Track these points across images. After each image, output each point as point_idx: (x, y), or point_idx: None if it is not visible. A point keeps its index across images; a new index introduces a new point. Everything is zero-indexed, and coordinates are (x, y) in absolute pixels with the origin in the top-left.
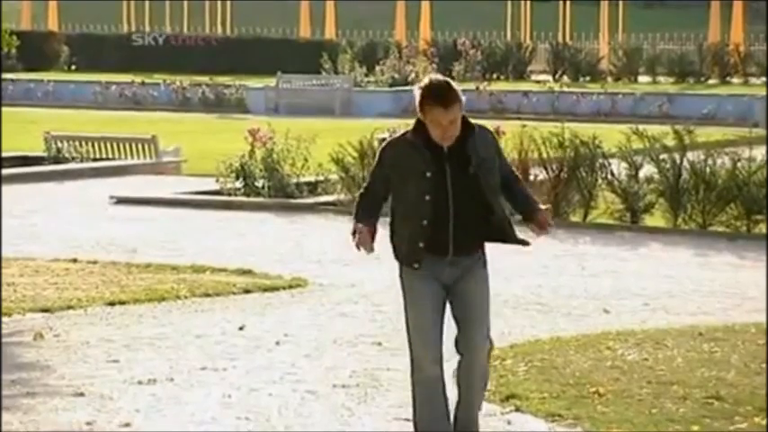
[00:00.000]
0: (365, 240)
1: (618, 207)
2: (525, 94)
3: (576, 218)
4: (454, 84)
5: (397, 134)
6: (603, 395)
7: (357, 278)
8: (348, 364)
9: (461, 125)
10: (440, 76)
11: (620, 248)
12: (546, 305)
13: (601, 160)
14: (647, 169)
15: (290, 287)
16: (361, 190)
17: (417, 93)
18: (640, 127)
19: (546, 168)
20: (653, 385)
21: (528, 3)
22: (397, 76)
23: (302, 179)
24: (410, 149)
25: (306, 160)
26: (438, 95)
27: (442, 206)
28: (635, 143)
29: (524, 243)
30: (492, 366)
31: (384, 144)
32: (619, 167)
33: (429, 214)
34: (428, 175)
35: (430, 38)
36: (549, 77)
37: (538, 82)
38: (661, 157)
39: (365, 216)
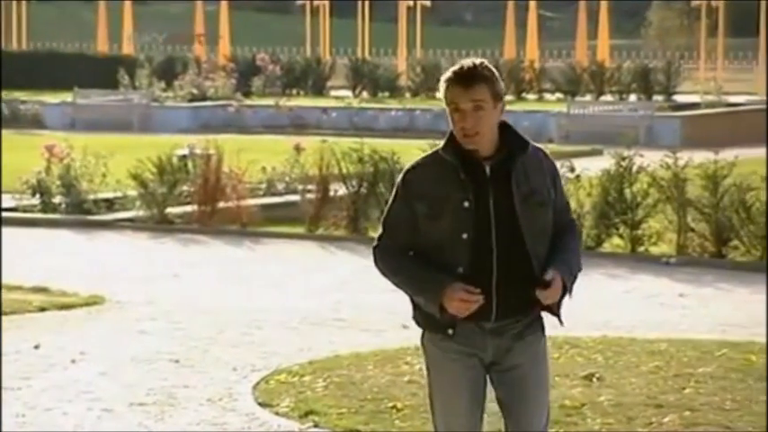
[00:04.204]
0: (473, 303)
1: None
2: (324, 109)
3: (374, 233)
4: (488, 65)
5: (422, 156)
6: (401, 410)
7: (155, 295)
8: (145, 381)
9: (509, 138)
10: (476, 59)
11: None
12: (345, 321)
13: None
14: None
15: (87, 304)
16: (380, 242)
17: (441, 87)
18: (438, 143)
19: (345, 183)
20: None
21: (327, 19)
22: (195, 91)
23: (100, 195)
24: (441, 171)
25: (104, 176)
26: (458, 73)
27: (485, 248)
28: None
29: (559, 319)
30: (290, 383)
31: (405, 169)
32: None
33: (467, 259)
34: (466, 205)
35: (229, 53)
36: (349, 93)
37: (337, 98)
38: None
39: (432, 275)
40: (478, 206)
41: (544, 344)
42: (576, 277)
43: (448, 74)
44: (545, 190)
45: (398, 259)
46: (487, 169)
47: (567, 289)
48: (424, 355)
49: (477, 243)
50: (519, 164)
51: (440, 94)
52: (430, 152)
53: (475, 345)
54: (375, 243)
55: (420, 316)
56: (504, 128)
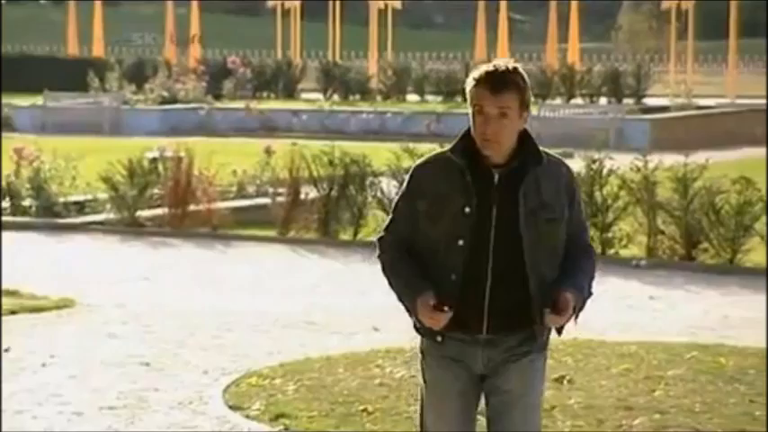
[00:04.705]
0: (440, 318)
1: None
2: (295, 112)
3: (346, 236)
4: (522, 71)
5: (434, 153)
6: (372, 413)
7: (126, 298)
8: (116, 385)
9: (526, 148)
10: (509, 62)
11: None
12: (316, 324)
13: (371, 178)
14: None
15: (57, 308)
16: (382, 234)
17: (468, 83)
18: (410, 145)
19: (316, 186)
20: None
21: (298, 21)
22: (166, 94)
23: (70, 198)
24: (448, 172)
25: (74, 179)
26: (490, 73)
27: (480, 257)
28: (404, 161)
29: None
30: (261, 386)
31: (415, 165)
32: (389, 185)
33: (460, 265)
34: (467, 210)
35: (200, 55)
36: (320, 96)
37: (308, 100)
38: None
39: (411, 280)
40: (480, 213)
41: (542, 362)
42: (584, 304)
43: (479, 72)
44: (558, 206)
45: (393, 255)
46: (496, 177)
47: (574, 315)
48: (420, 365)
49: (473, 251)
50: (531, 176)
51: (466, 90)
52: (441, 150)
53: (467, 356)
54: (379, 234)
55: (417, 321)
56: (524, 137)
